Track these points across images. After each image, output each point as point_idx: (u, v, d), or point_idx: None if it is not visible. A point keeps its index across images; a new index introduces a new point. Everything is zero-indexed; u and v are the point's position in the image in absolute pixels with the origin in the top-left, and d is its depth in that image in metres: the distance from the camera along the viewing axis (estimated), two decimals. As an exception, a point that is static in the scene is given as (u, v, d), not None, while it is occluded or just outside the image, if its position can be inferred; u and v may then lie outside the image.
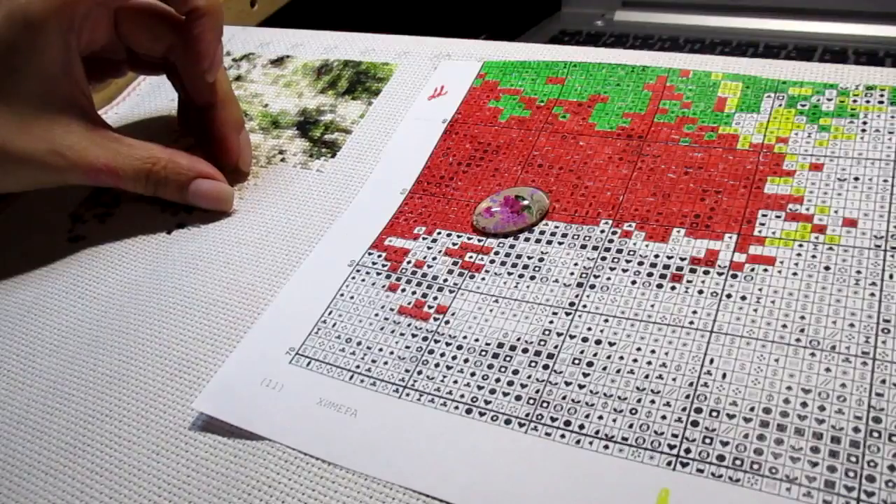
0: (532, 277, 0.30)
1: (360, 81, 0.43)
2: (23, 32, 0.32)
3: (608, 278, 0.29)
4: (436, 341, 0.29)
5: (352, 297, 0.31)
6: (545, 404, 0.26)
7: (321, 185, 0.37)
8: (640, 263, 0.29)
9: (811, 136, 0.32)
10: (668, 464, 0.23)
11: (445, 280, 0.31)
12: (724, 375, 0.25)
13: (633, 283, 0.29)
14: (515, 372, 0.27)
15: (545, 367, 0.27)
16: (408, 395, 0.27)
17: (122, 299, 0.34)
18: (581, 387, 0.26)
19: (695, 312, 0.27)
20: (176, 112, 0.43)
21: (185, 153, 0.37)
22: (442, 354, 0.28)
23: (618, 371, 0.26)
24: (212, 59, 0.37)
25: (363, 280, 0.32)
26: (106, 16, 0.36)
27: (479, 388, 0.27)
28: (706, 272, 0.28)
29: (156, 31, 0.37)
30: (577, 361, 0.27)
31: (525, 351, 0.27)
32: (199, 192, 0.37)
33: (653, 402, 0.25)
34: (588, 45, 0.49)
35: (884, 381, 0.24)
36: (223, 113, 0.38)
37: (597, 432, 0.25)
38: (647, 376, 0.26)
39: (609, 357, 0.26)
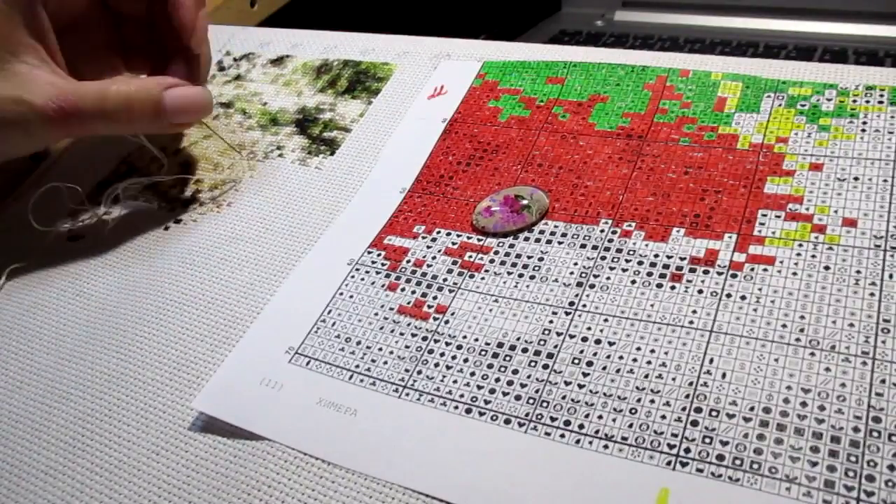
0: (532, 277, 0.30)
1: (360, 81, 0.43)
2: None
3: (608, 278, 0.29)
4: (435, 341, 0.29)
5: (351, 297, 0.31)
6: (545, 404, 0.26)
7: (320, 183, 0.37)
8: (640, 263, 0.29)
9: (811, 136, 0.32)
10: (668, 463, 0.23)
11: (445, 279, 0.31)
12: (723, 375, 0.25)
13: (633, 282, 0.29)
14: (515, 372, 0.27)
15: (545, 366, 0.27)
16: (407, 394, 0.27)
17: (119, 297, 0.34)
18: (581, 386, 0.26)
19: (694, 312, 0.27)
20: None
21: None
22: (442, 354, 0.28)
23: (617, 371, 0.26)
24: (193, 23, 0.35)
25: (363, 279, 0.32)
26: None
27: (479, 387, 0.27)
28: (706, 272, 0.28)
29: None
30: (576, 361, 0.27)
31: (525, 350, 0.27)
32: (177, 103, 0.34)
33: (652, 401, 0.25)
34: (588, 45, 0.49)
35: (884, 381, 0.24)
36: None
37: (596, 432, 0.25)
38: (646, 376, 0.26)
39: (609, 357, 0.26)
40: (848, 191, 0.29)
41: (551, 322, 0.28)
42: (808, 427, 0.23)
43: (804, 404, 0.24)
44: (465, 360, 0.28)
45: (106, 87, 0.33)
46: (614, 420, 0.25)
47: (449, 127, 0.38)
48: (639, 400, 0.25)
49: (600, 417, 0.25)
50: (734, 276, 0.28)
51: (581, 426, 0.25)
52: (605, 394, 0.25)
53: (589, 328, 0.27)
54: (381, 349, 0.29)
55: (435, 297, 0.30)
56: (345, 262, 0.33)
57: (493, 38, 0.59)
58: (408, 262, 0.32)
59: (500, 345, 0.28)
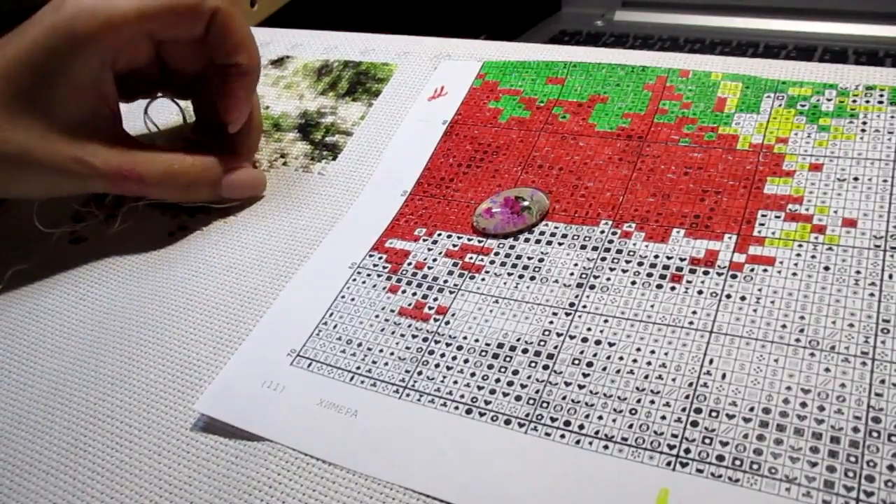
0: (532, 278, 0.30)
1: (361, 82, 0.43)
2: (63, 46, 0.32)
3: (608, 279, 0.29)
4: (436, 342, 0.29)
5: (353, 299, 0.31)
6: (545, 404, 0.26)
7: (322, 188, 0.38)
8: (640, 264, 0.29)
9: (811, 136, 0.32)
10: (668, 464, 0.23)
11: (446, 281, 0.31)
12: (723, 375, 0.25)
13: (633, 283, 0.29)
14: (515, 372, 0.27)
15: (545, 367, 0.27)
16: (408, 395, 0.27)
17: (123, 301, 0.34)
18: (581, 387, 0.26)
19: (694, 313, 0.27)
20: (179, 114, 0.43)
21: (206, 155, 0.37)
22: (442, 355, 0.28)
23: (618, 371, 0.26)
24: (239, 114, 0.37)
25: (364, 282, 0.32)
26: (149, 40, 0.36)
27: (479, 388, 0.27)
28: (706, 272, 0.28)
29: (197, 51, 0.37)
30: (576, 362, 0.27)
31: (525, 351, 0.27)
32: (234, 183, 0.37)
33: (652, 402, 0.25)
34: (588, 45, 0.49)
35: (883, 381, 0.24)
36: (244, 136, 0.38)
37: (597, 432, 0.25)
38: (646, 376, 0.26)
39: (609, 357, 0.27)
40: (848, 191, 0.29)
41: (551, 323, 0.28)
42: (808, 427, 0.23)
43: (804, 405, 0.24)
44: (466, 361, 0.28)
45: (171, 163, 0.35)
46: (614, 420, 0.25)
47: (449, 128, 0.38)
48: (639, 400, 0.25)
49: (600, 418, 0.25)
50: (734, 276, 0.28)
51: (581, 426, 0.25)
52: (605, 394, 0.26)
53: (589, 329, 0.28)
54: (381, 350, 0.29)
55: (435, 299, 0.30)
56: (346, 265, 0.33)
57: (493, 38, 0.59)
58: (409, 264, 0.32)
59: (501, 345, 0.28)
